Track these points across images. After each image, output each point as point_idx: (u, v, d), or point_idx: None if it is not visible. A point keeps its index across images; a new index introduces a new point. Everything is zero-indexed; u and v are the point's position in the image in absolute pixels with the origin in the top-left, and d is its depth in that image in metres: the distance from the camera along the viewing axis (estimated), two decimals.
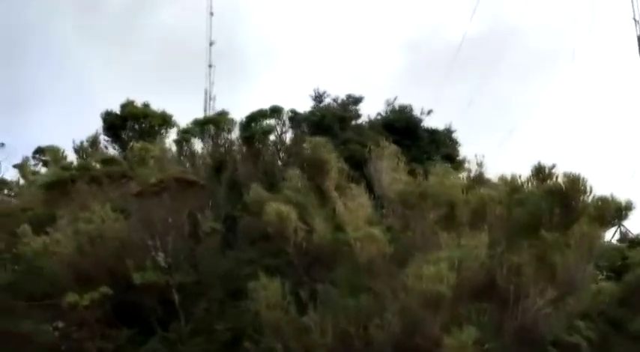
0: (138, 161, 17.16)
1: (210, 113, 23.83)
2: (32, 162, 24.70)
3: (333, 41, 34.71)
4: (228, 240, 14.90)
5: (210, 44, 26.41)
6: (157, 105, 21.59)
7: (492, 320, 10.81)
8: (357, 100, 19.05)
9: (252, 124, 17.21)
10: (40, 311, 15.70)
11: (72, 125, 32.26)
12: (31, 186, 19.85)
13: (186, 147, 17.80)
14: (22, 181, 20.86)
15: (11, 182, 21.05)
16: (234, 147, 17.37)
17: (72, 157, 20.58)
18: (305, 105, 18.84)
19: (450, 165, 15.71)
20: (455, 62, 23.13)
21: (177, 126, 18.63)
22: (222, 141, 17.49)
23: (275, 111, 17.14)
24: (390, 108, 19.10)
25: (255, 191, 14.50)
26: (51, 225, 15.30)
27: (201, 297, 13.90)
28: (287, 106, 17.32)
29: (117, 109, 21.59)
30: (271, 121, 17.24)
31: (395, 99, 19.19)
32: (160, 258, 13.77)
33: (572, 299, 11.25)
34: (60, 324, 15.97)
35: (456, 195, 11.63)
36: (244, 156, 17.25)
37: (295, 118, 17.45)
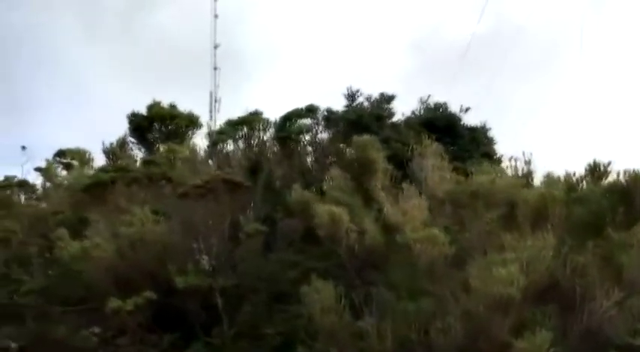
0: (169, 162, 16.93)
1: (216, 116, 23.96)
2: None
3: (337, 42, 34.07)
4: (269, 242, 14.59)
5: (215, 47, 25.89)
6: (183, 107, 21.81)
7: (557, 323, 10.47)
8: (390, 98, 18.70)
9: (287, 124, 16.91)
10: (75, 316, 15.44)
11: (71, 127, 32.14)
12: (58, 189, 19.59)
13: (219, 148, 17.48)
14: (47, 184, 20.62)
15: (34, 184, 20.68)
16: (269, 148, 17.06)
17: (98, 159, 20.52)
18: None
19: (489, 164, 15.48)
20: (463, 61, 22.62)
21: (209, 126, 18.37)
22: (256, 141, 17.19)
23: (310, 111, 16.82)
24: (423, 106, 18.77)
25: (298, 192, 14.19)
26: (83, 228, 15.04)
27: (245, 301, 13.59)
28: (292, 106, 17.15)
29: (138, 110, 21.69)
30: (306, 121, 16.93)
31: (428, 97, 18.85)
32: (204, 261, 13.47)
33: (637, 300, 10.89)
34: (96, 329, 15.72)
35: (516, 194, 11.30)
36: (279, 156, 16.92)
37: (331, 117, 17.12)
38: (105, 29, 36.79)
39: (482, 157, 16.56)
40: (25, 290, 16.22)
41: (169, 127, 21.19)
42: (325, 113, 17.22)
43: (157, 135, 21.12)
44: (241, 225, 13.98)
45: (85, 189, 14.28)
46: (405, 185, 12.60)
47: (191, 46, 30.64)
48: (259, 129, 17.02)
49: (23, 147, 25.84)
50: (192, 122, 21.09)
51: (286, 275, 13.13)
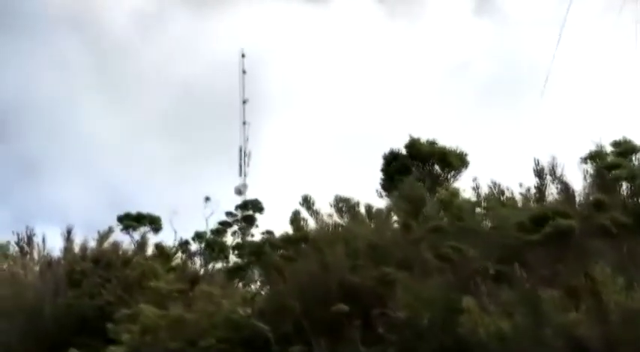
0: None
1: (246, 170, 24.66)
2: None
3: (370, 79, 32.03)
4: None
5: (244, 102, 26.03)
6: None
7: None
8: None
9: None
10: None
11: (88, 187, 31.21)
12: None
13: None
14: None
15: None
16: None
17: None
18: None
19: None
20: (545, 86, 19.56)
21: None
22: None
23: None
24: None
25: None
26: None
27: None
28: None
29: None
30: None
31: None
32: None
33: None
34: None
35: None
36: None
37: None
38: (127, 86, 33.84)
39: None
40: None
41: (431, 167, 17.60)
42: None
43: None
44: None
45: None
46: None
47: (218, 101, 29.71)
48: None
49: (207, 198, 22.08)
50: (461, 161, 17.45)
51: None
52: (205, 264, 19.68)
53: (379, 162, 18.43)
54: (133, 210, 20.38)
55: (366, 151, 26.33)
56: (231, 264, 17.40)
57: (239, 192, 25.30)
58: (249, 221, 21.14)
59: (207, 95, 31.08)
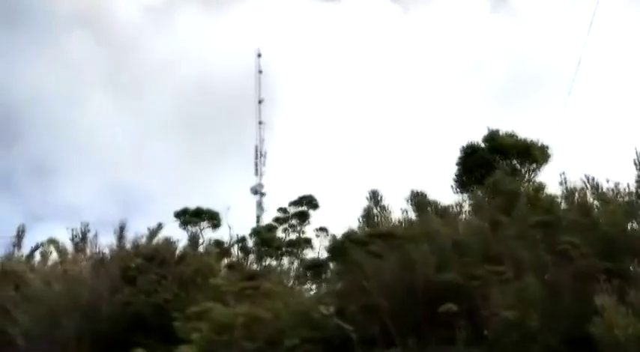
0: None
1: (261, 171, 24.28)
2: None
3: (385, 77, 31.96)
4: None
5: (260, 102, 25.85)
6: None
7: None
8: None
9: None
10: None
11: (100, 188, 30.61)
12: None
13: None
14: None
15: None
16: None
17: None
18: None
19: None
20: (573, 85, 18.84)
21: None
22: None
23: None
24: None
25: None
26: None
27: None
28: None
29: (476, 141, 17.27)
30: None
31: None
32: None
33: None
34: None
35: None
36: None
37: None
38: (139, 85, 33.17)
39: None
40: None
41: (513, 161, 16.79)
42: None
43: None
44: None
45: None
46: None
47: (232, 100, 29.43)
48: None
49: (261, 194, 21.31)
50: (543, 155, 16.67)
51: None
52: (259, 260, 19.01)
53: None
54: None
55: (376, 151, 26.04)
56: (307, 260, 16.55)
57: (255, 191, 24.85)
58: (303, 217, 20.47)
59: (221, 94, 30.74)
